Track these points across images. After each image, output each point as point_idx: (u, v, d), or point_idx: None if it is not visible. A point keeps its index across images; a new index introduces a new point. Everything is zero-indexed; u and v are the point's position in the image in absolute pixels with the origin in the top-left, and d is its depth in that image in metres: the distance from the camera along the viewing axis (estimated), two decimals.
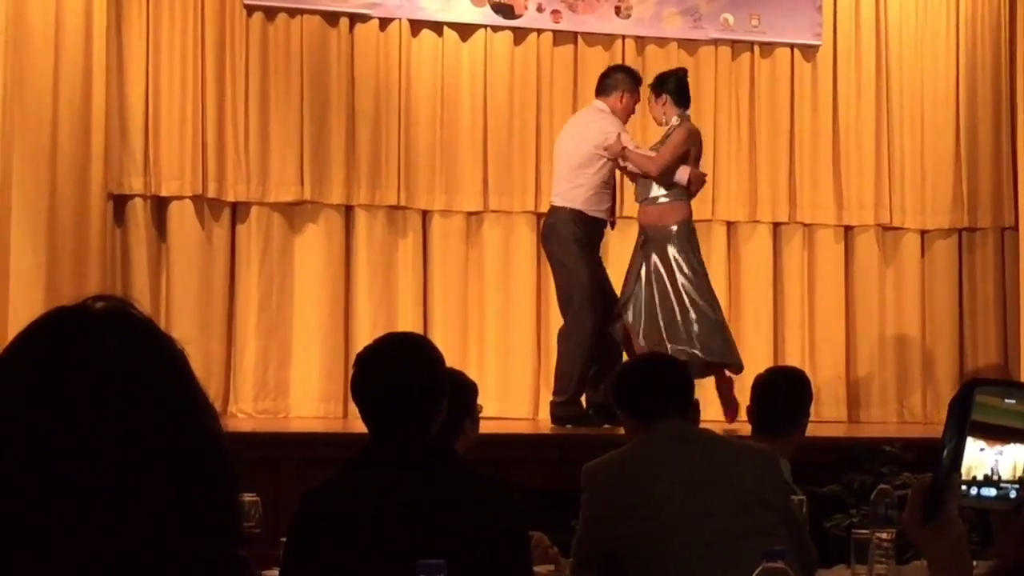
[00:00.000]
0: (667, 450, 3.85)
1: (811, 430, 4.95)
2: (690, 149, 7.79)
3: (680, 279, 7.65)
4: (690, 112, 7.99)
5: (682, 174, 7.72)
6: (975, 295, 9.79)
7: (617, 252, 8.36)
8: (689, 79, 8.07)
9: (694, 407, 4.08)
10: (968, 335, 9.76)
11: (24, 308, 7.70)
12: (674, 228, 7.71)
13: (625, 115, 8.00)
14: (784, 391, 4.77)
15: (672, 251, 7.68)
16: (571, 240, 7.79)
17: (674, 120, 7.84)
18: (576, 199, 7.80)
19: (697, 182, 7.83)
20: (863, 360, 9.64)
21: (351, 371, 3.37)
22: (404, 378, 3.26)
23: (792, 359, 9.08)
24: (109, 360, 1.36)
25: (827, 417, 9.07)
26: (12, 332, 1.42)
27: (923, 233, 9.79)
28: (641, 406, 3.98)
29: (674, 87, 7.90)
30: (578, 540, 3.92)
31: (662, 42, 9.50)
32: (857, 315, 9.68)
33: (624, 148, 7.81)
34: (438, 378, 3.33)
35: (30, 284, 8.05)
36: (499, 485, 3.34)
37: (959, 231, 9.82)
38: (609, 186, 7.93)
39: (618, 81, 8.01)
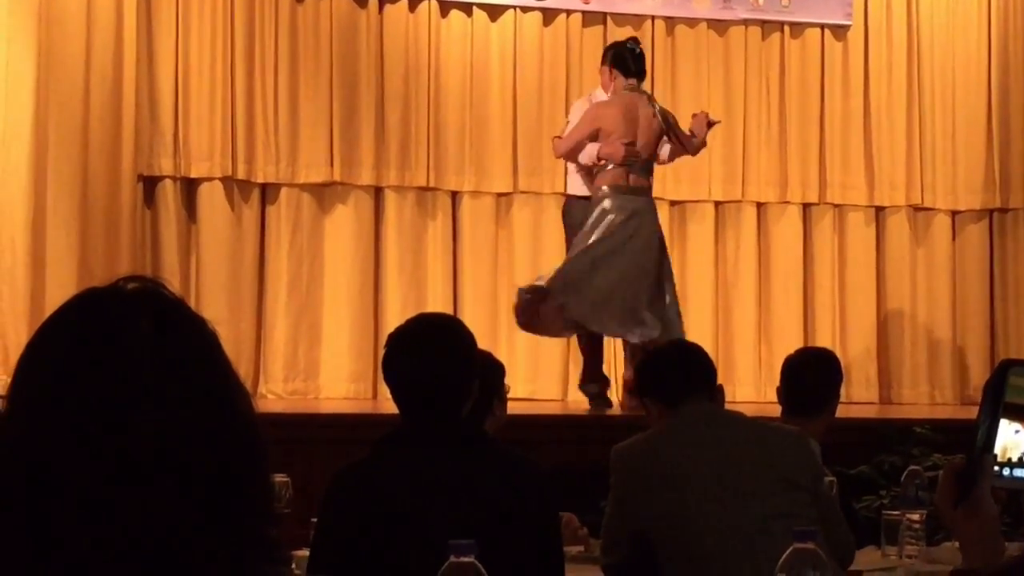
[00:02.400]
0: (696, 431, 3.85)
1: (841, 411, 4.94)
2: (599, 127, 7.53)
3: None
4: (633, 82, 7.62)
5: (588, 154, 7.58)
6: (1006, 276, 9.73)
7: None
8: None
9: (719, 391, 4.08)
10: (999, 316, 9.70)
11: (57, 289, 7.74)
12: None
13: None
14: (814, 372, 4.76)
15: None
16: None
17: (604, 94, 7.73)
18: None
19: (610, 158, 7.49)
20: (894, 341, 9.60)
21: (382, 352, 3.36)
22: (436, 359, 3.25)
23: (822, 340, 9.03)
24: (142, 341, 1.37)
25: (857, 398, 9.05)
26: (47, 313, 1.43)
27: (954, 214, 9.74)
28: (667, 391, 3.98)
29: (612, 58, 7.73)
30: (607, 521, 3.92)
31: (692, 22, 9.46)
32: (888, 296, 9.64)
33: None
34: (470, 359, 3.31)
35: (63, 265, 8.10)
36: (529, 466, 3.34)
37: (991, 212, 9.76)
38: None
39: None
